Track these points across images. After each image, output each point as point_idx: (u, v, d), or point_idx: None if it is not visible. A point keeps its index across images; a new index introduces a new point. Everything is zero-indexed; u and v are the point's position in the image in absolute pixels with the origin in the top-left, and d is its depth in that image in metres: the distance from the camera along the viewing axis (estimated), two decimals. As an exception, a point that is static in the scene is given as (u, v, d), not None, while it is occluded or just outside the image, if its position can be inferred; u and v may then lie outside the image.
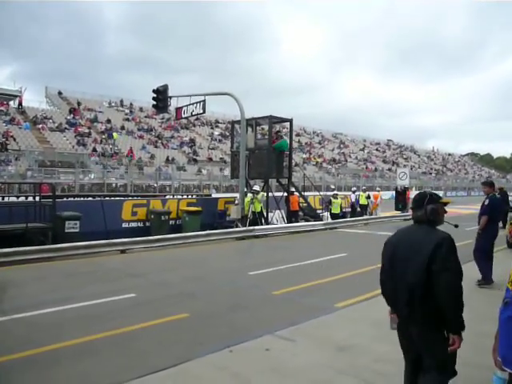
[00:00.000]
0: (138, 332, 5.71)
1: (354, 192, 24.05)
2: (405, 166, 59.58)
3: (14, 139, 32.55)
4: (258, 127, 19.94)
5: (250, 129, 18.53)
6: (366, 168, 58.73)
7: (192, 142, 44.87)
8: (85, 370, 4.59)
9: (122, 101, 49.87)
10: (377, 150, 73.55)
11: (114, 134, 39.48)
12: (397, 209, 24.30)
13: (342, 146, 66.60)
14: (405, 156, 76.31)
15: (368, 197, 23.18)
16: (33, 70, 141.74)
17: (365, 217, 21.73)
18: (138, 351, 5.09)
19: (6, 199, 18.34)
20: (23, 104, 41.11)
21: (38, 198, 13.36)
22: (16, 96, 45.31)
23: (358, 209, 22.95)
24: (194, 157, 41.23)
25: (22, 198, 18.22)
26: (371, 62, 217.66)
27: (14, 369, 4.59)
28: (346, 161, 59.33)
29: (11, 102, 42.48)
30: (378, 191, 25.62)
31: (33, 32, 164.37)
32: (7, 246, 10.17)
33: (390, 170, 60.71)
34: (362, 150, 69.37)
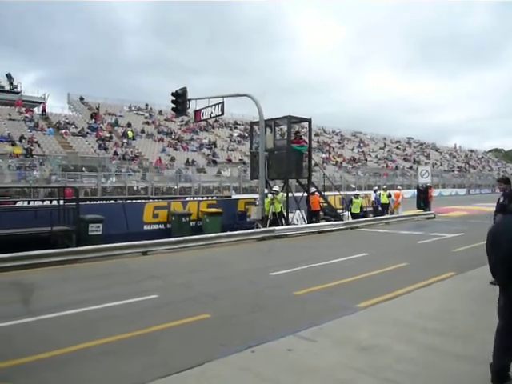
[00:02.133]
0: (160, 332, 5.78)
1: (375, 191, 23.86)
2: (426, 163, 58.78)
3: (39, 145, 33.26)
4: (276, 127, 19.95)
5: (268, 129, 18.56)
6: (387, 166, 58.20)
7: (211, 143, 45.11)
8: (110, 370, 4.67)
9: (147, 105, 50.43)
10: (397, 148, 72.83)
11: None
12: (418, 207, 24.02)
13: (361, 144, 66.15)
14: (426, 154, 75.36)
15: (389, 195, 22.96)
16: (55, 76, 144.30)
17: (386, 216, 21.53)
18: (162, 351, 5.16)
19: (32, 203, 18.72)
20: (47, 110, 41.97)
21: (62, 202, 13.61)
22: (40, 103, 46.40)
23: (380, 208, 22.74)
24: (214, 158, 41.46)
25: (46, 202, 18.55)
26: (391, 57, 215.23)
27: (40, 368, 4.70)
28: (366, 160, 58.91)
29: (35, 109, 43.44)
30: (400, 190, 25.34)
31: (54, 38, 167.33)
32: (33, 249, 10.40)
33: (410, 168, 60.04)
34: (382, 148, 68.78)
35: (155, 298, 7.51)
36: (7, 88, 50.51)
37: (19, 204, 17.75)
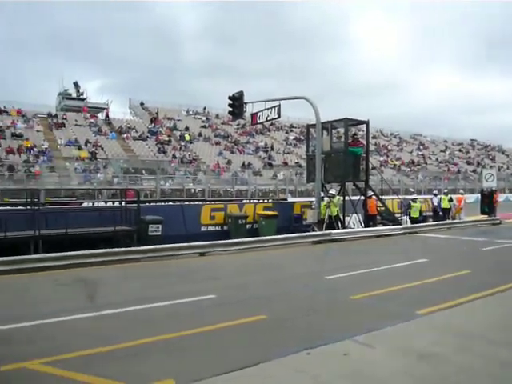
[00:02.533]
0: (217, 331, 5.89)
1: (435, 195, 23.07)
2: (491, 167, 56.07)
3: (102, 148, 34.84)
4: (333, 130, 19.77)
5: (325, 132, 18.42)
6: (448, 170, 56.03)
7: (267, 146, 45.35)
8: (169, 365, 4.82)
9: (204, 108, 51.46)
10: (459, 150, 69.94)
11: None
12: (482, 213, 22.95)
13: (421, 147, 64.13)
14: (491, 156, 71.89)
15: (450, 200, 22.12)
16: (118, 82, 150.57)
17: (447, 221, 20.77)
18: (219, 349, 5.26)
19: (96, 204, 19.61)
20: (110, 115, 43.94)
21: (123, 203, 14.17)
22: (103, 108, 48.71)
23: (440, 213, 21.96)
24: (270, 161, 41.64)
25: (109, 204, 19.36)
26: (454, 56, 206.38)
27: (101, 361, 4.92)
28: (426, 163, 57.03)
29: (99, 114, 45.61)
30: (462, 194, 24.36)
31: (117, 46, 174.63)
32: (98, 248, 10.92)
33: (474, 171, 57.49)
34: (443, 151, 66.31)
35: (213, 297, 7.66)
36: (74, 95, 53.36)
37: (84, 205, 18.60)
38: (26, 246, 11.47)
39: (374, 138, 55.85)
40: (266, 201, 23.59)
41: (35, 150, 32.12)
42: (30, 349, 5.27)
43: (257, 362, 4.71)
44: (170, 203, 20.41)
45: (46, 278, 9.50)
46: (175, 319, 6.48)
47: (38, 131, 35.92)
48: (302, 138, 46.99)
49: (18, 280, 9.22)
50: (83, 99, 53.29)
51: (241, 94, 18.66)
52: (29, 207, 12.62)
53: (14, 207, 14.63)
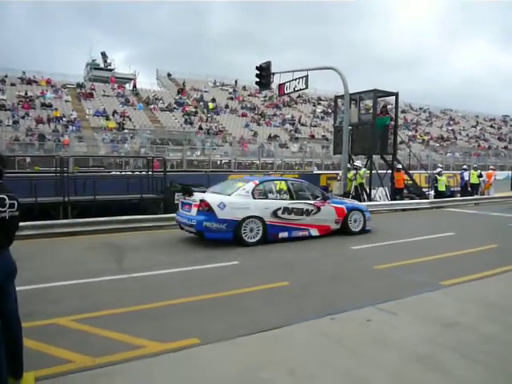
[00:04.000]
0: (242, 296, 5.99)
1: (465, 170, 22.57)
2: (524, 143, 54.36)
3: (130, 119, 35.12)
4: (362, 102, 19.43)
5: (353, 104, 18.14)
6: (478, 146, 54.60)
7: (294, 119, 44.93)
8: (196, 325, 4.93)
9: (236, 81, 51.07)
10: (491, 126, 67.89)
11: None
12: (513, 189, 22.40)
13: (451, 122, 62.50)
14: (525, 133, 69.64)
15: (480, 175, 21.61)
16: (145, 53, 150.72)
17: (476, 196, 20.36)
18: (243, 313, 5.34)
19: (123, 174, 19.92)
20: (137, 86, 44.06)
21: (150, 173, 14.34)
22: (131, 79, 48.94)
23: (469, 188, 21.52)
24: (296, 134, 41.32)
25: (136, 173, 19.63)
26: (490, 31, 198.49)
27: (129, 319, 5.08)
28: (456, 138, 55.66)
29: (127, 85, 45.83)
30: (492, 169, 23.75)
31: (143, 16, 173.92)
32: (125, 214, 11.13)
33: (505, 148, 55.96)
34: (474, 126, 64.46)
35: (236, 264, 7.77)
36: (102, 66, 53.60)
37: (112, 173, 18.91)
38: (56, 211, 11.80)
39: (402, 112, 54.60)
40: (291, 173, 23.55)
41: (64, 119, 32.59)
42: (61, 307, 5.47)
43: (280, 325, 4.78)
44: (196, 172, 20.60)
45: (74, 242, 9.79)
46: (199, 283, 6.61)
47: (66, 101, 36.36)
48: (330, 110, 46.39)
49: (48, 244, 9.51)
50: (111, 69, 53.58)
51: (268, 64, 18.44)
52: (58, 174, 12.91)
53: (43, 174, 14.98)
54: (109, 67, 54.57)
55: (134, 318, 5.11)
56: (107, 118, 34.48)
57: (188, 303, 5.66)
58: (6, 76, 37.41)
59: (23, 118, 31.32)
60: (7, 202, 3.39)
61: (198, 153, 31.58)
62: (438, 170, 20.74)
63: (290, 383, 3.62)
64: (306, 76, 17.37)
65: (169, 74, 48.78)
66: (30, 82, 38.03)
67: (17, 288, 3.58)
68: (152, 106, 39.46)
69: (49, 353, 4.17)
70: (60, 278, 6.65)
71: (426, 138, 51.20)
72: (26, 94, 34.99)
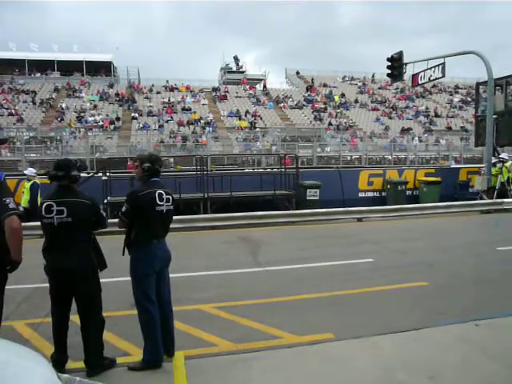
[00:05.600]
0: (376, 294, 5.85)
1: None
2: None
3: (261, 118, 36.29)
4: (508, 88, 17.64)
5: (498, 90, 16.56)
6: None
7: (429, 110, 42.43)
8: (332, 320, 4.95)
9: (365, 77, 50.06)
10: None
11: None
12: None
13: None
14: None
15: None
16: (274, 53, 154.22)
17: None
18: (377, 311, 5.22)
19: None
20: (267, 86, 45.37)
21: (283, 169, 14.69)
22: (261, 79, 50.48)
23: None
24: (431, 127, 38.98)
25: (268, 170, 20.22)
26: None
27: (266, 310, 5.26)
28: None
29: (257, 85, 47.41)
30: None
31: (270, 16, 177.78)
32: (258, 210, 11.57)
33: None
34: None
35: (371, 261, 7.61)
36: (234, 69, 56.15)
37: (246, 171, 19.71)
38: (197, 206, 12.71)
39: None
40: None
41: (202, 121, 34.84)
42: (204, 294, 5.92)
43: (417, 327, 4.59)
44: (328, 169, 20.55)
45: (213, 235, 10.45)
46: (333, 279, 6.61)
47: (203, 104, 38.81)
48: (469, 99, 42.92)
49: (190, 237, 10.26)
50: (242, 72, 55.74)
51: (400, 54, 17.65)
52: (198, 172, 13.85)
53: (185, 172, 16.19)
54: (241, 70, 56.87)
55: (271, 310, 5.30)
56: (240, 118, 36.03)
57: (321, 298, 5.70)
58: (153, 85, 41.31)
59: (167, 122, 34.20)
60: (164, 196, 3.92)
61: (328, 149, 31.42)
62: None
63: (431, 388, 3.47)
64: (443, 63, 16.30)
65: (297, 72, 49.31)
66: (172, 89, 41.40)
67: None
68: (282, 105, 40.26)
69: (196, 335, 4.55)
70: (202, 269, 7.21)
71: None
72: (169, 100, 38.17)
